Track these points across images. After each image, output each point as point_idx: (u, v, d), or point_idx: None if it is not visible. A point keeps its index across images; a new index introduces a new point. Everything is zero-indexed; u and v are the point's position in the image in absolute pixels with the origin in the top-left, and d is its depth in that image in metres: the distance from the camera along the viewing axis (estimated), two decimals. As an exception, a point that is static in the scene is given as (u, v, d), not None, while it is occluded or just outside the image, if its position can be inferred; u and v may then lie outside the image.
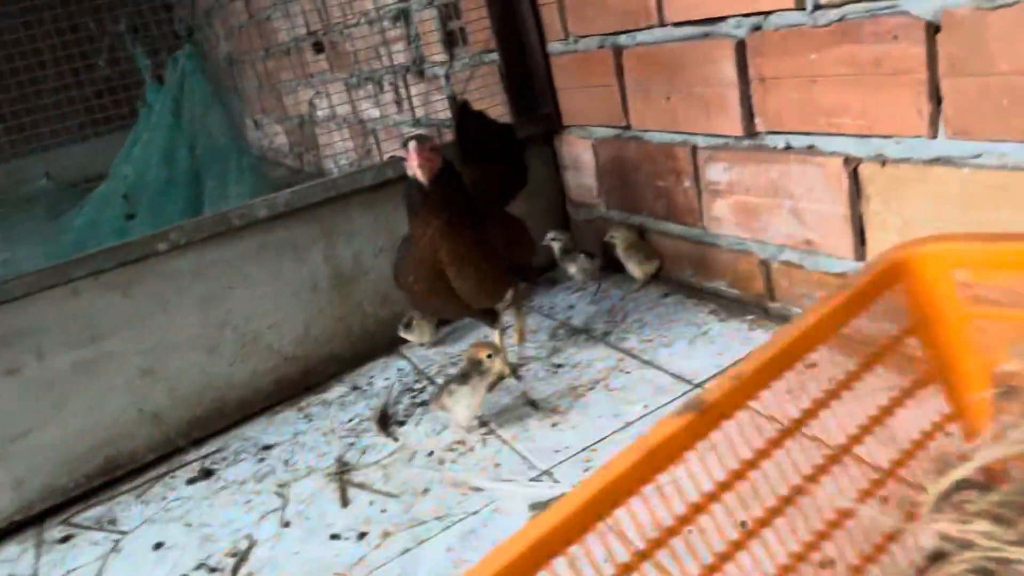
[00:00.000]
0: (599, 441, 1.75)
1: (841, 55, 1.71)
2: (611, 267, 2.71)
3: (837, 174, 1.82)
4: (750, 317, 2.20)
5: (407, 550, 1.55)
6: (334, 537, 1.73)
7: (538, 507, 1.58)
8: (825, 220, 1.77)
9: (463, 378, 1.82)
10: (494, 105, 2.91)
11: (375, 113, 4.21)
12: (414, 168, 1.59)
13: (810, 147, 1.88)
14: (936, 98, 1.55)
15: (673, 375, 1.98)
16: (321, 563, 1.62)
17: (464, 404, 1.83)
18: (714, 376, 1.83)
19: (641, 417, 1.87)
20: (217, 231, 2.41)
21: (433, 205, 1.63)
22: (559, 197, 2.95)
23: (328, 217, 2.56)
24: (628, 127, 2.48)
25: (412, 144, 1.57)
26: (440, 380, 2.32)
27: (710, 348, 2.01)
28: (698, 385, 1.86)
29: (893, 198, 1.72)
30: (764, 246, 2.01)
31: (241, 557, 1.79)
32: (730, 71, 1.99)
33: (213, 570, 1.70)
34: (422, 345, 2.59)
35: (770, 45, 1.86)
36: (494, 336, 2.09)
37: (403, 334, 2.55)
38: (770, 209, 1.93)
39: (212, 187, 3.72)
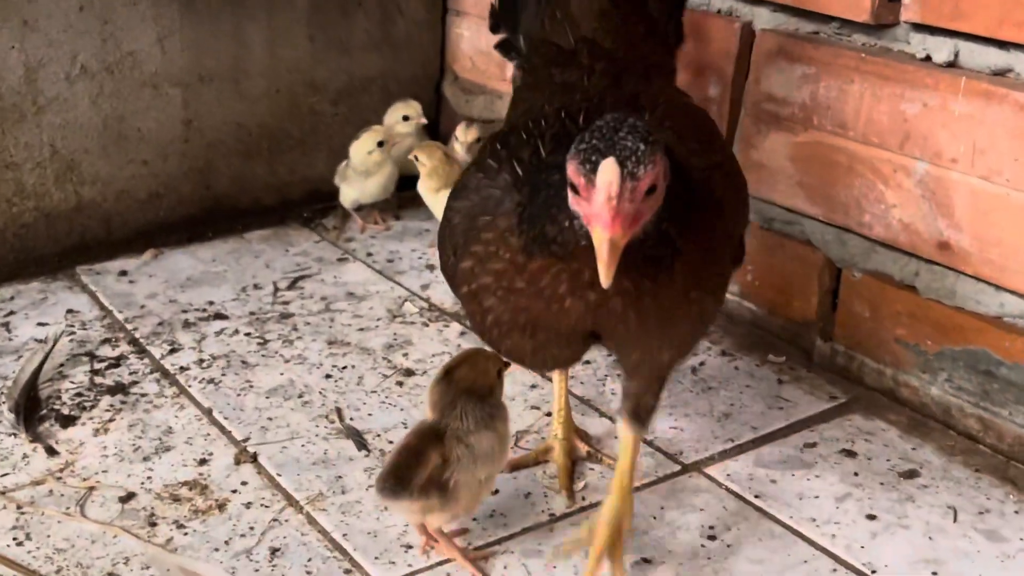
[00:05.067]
0: (505, 540, 1.48)
1: None
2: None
3: None
4: (777, 359, 1.93)
5: None
6: None
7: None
8: (1000, 213, 1.58)
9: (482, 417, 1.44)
10: None
11: None
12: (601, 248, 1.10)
13: (1003, 72, 1.59)
14: None
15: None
16: None
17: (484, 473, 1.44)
18: (718, 452, 1.67)
19: (579, 509, 1.53)
20: None
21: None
22: (433, 66, 2.60)
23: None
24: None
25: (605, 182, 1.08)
26: (157, 349, 1.90)
27: (707, 401, 1.81)
28: (688, 467, 1.65)
29: None
30: (843, 236, 1.83)
31: None
32: None
33: None
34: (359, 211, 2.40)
35: None
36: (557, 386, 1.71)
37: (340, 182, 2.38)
38: (879, 170, 1.74)
39: None
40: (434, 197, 2.23)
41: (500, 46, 1.78)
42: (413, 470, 1.37)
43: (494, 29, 1.78)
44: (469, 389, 1.41)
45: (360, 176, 2.34)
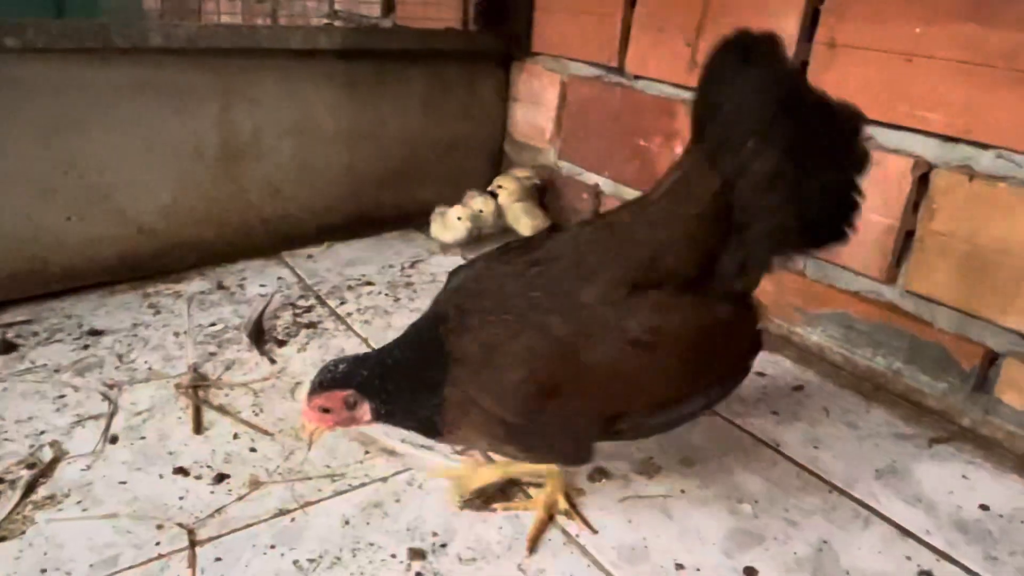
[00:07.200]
0: None
1: (961, 36, 1.58)
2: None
3: (898, 177, 1.68)
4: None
5: (285, 511, 1.40)
6: (180, 471, 1.50)
7: (466, 488, 1.47)
8: (861, 227, 1.60)
9: None
10: (439, 8, 2.88)
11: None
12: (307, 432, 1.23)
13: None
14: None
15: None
16: (157, 503, 1.41)
17: None
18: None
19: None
20: (89, 45, 2.04)
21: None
22: (499, 132, 2.89)
23: (233, 73, 2.28)
24: (619, 69, 2.36)
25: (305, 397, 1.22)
26: (333, 302, 2.17)
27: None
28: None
29: (968, 219, 1.61)
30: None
31: (41, 471, 1.46)
32: (791, 25, 1.83)
33: (-5, 484, 1.24)
34: (447, 248, 2.57)
35: (859, 4, 1.72)
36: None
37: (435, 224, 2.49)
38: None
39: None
40: (515, 210, 2.53)
41: None
42: None
43: None
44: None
45: (439, 223, 2.50)
